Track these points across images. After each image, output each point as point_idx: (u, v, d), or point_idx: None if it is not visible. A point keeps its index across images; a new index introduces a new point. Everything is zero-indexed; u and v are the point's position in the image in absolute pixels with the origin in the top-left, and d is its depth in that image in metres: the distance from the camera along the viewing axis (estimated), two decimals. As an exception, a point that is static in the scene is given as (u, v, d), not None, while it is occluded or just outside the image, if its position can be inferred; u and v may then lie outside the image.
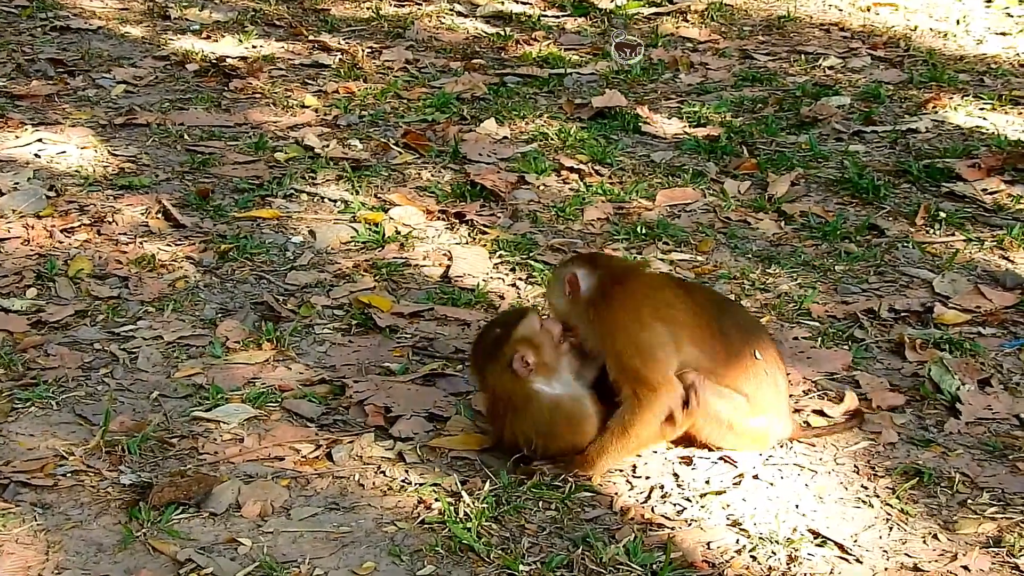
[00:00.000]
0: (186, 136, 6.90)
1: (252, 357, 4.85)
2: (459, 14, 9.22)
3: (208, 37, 8.52)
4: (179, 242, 5.72)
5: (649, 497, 4.08)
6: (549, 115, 7.29)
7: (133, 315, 5.12)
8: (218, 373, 4.72)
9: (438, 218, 6.02)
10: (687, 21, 9.11)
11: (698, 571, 3.75)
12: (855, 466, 4.26)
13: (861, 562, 3.80)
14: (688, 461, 4.24)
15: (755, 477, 4.18)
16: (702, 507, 4.03)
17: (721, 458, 4.25)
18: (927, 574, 3.76)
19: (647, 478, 4.17)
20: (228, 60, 8.03)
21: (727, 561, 3.80)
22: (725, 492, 4.10)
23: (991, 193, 6.28)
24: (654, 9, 9.33)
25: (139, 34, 8.59)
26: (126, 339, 4.95)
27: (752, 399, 4.23)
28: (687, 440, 4.28)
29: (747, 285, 5.42)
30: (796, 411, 4.46)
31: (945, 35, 8.78)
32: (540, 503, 4.03)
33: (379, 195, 6.23)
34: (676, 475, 4.18)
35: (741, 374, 4.24)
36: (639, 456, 4.23)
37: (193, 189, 6.21)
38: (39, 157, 6.56)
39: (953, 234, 5.90)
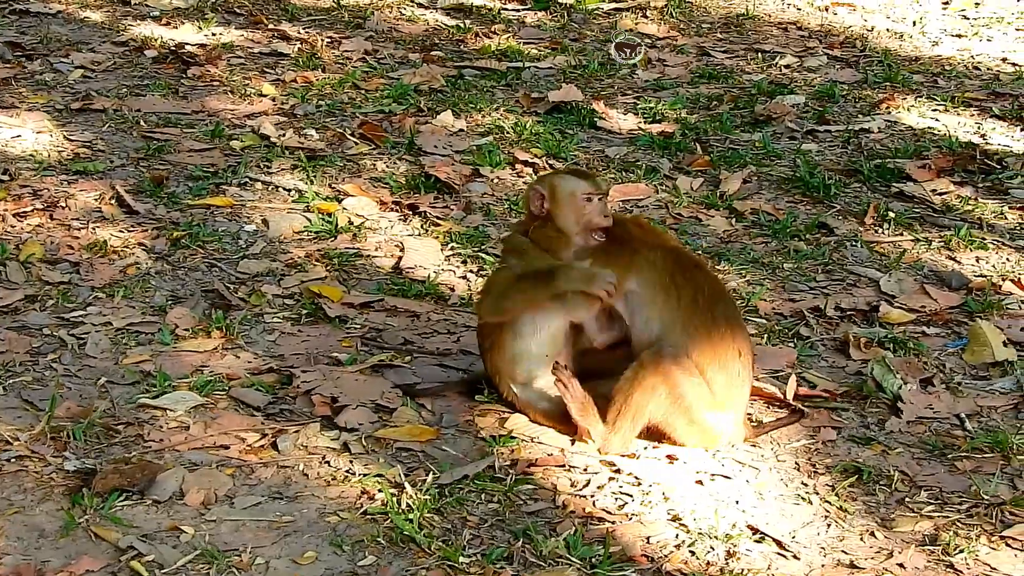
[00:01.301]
0: (142, 122, 6.89)
1: (201, 345, 4.85)
2: (419, 5, 9.23)
3: (168, 24, 8.50)
4: (132, 228, 5.71)
5: (591, 491, 4.11)
6: (505, 108, 7.31)
7: (83, 301, 5.12)
8: (166, 360, 4.73)
9: (391, 209, 6.04)
10: (646, 17, 9.15)
11: (637, 565, 3.78)
12: (796, 463, 4.30)
13: (798, 558, 3.85)
14: (632, 456, 4.27)
15: (697, 473, 4.21)
16: (643, 502, 4.06)
17: (666, 455, 4.28)
18: (863, 571, 3.81)
19: (590, 473, 4.20)
20: (187, 47, 8.02)
21: (666, 555, 3.83)
22: (667, 487, 4.13)
23: (940, 194, 6.34)
24: (614, 5, 9.36)
25: (98, 19, 8.56)
26: (75, 324, 4.95)
27: (717, 392, 4.24)
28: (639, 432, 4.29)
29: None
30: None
31: (901, 36, 8.85)
32: (483, 495, 4.06)
33: (333, 185, 6.25)
34: (619, 470, 4.21)
35: (716, 361, 4.23)
36: (583, 453, 4.27)
37: (148, 175, 6.20)
38: (-7, 141, 6.55)
39: (901, 234, 5.96)
